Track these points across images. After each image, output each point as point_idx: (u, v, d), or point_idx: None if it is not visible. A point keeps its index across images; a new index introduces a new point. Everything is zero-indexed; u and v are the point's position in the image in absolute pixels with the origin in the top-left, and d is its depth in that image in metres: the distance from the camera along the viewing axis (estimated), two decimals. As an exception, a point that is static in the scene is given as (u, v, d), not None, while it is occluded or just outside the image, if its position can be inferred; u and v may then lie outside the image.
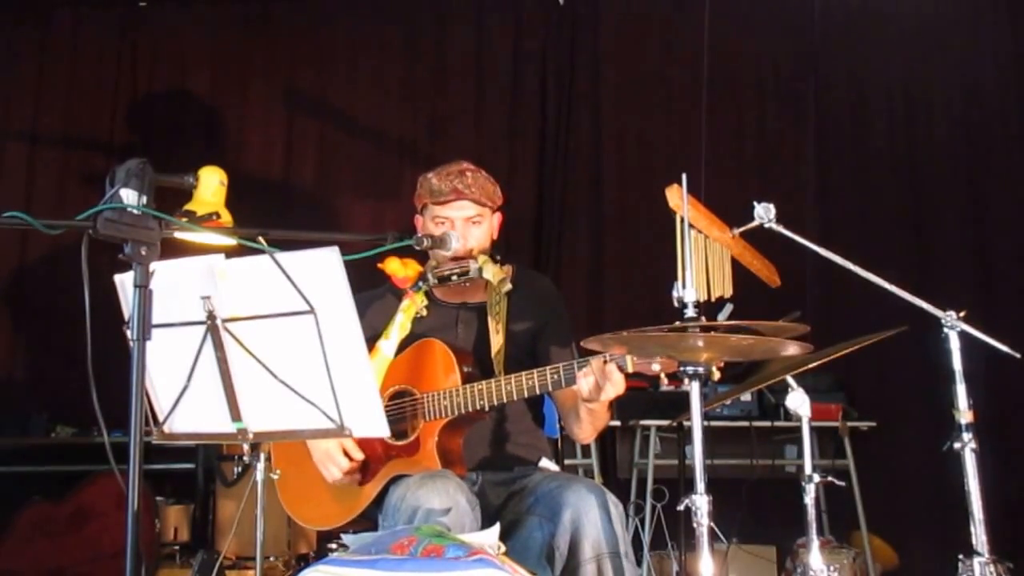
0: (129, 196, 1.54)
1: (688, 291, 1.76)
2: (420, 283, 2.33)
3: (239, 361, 1.66)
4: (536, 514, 2.09)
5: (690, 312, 1.73)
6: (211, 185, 2.15)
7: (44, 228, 1.48)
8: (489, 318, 2.33)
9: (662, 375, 1.95)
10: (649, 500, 3.96)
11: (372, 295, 2.45)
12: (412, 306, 2.34)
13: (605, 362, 1.96)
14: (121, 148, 4.83)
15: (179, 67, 4.97)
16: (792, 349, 1.73)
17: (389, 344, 2.29)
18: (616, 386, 1.98)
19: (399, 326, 2.31)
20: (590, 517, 1.99)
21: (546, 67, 4.90)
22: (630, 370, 1.97)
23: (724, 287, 2.29)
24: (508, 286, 2.34)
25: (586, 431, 2.27)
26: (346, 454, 2.25)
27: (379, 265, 2.36)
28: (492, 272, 2.31)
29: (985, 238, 4.52)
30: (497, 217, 2.44)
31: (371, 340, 2.02)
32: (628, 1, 4.99)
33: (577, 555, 1.98)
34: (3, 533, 3.83)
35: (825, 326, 3.92)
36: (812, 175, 4.66)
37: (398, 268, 2.34)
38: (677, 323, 1.71)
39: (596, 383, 1.98)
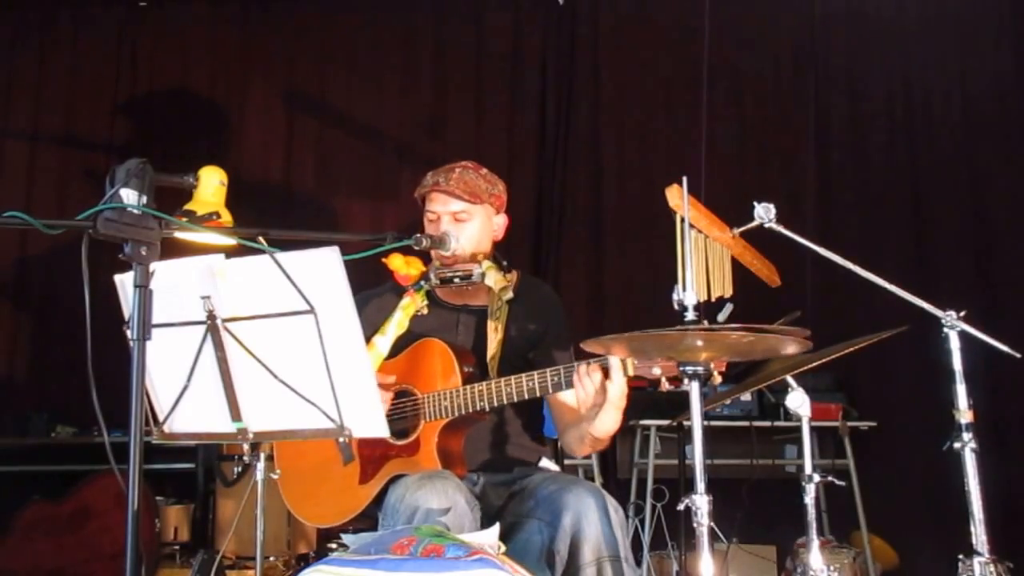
0: (129, 196, 1.54)
1: (688, 294, 1.76)
2: (422, 282, 2.32)
3: (239, 361, 1.66)
4: (536, 517, 2.09)
5: (690, 315, 1.73)
6: (211, 185, 2.14)
7: (44, 228, 1.48)
8: (489, 322, 2.31)
9: (663, 379, 1.95)
10: (649, 500, 3.96)
11: (373, 293, 2.44)
12: (412, 305, 2.33)
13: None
14: (121, 148, 4.84)
15: (179, 66, 4.98)
16: (792, 347, 1.72)
17: (384, 340, 2.28)
18: (617, 387, 1.98)
19: (397, 323, 2.30)
20: (590, 520, 1.98)
21: (546, 67, 4.90)
22: (631, 373, 1.98)
23: (724, 287, 2.29)
24: (509, 294, 2.32)
25: (583, 449, 2.26)
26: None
27: (383, 259, 2.35)
28: (495, 279, 2.29)
29: (985, 238, 4.51)
30: (501, 219, 2.41)
31: (369, 337, 2.00)
32: (628, 1, 4.99)
33: (577, 559, 1.97)
34: (3, 533, 3.84)
35: (825, 326, 3.91)
36: (812, 175, 4.65)
37: (401, 265, 2.33)
38: (677, 326, 1.71)
39: (602, 382, 1.98)
